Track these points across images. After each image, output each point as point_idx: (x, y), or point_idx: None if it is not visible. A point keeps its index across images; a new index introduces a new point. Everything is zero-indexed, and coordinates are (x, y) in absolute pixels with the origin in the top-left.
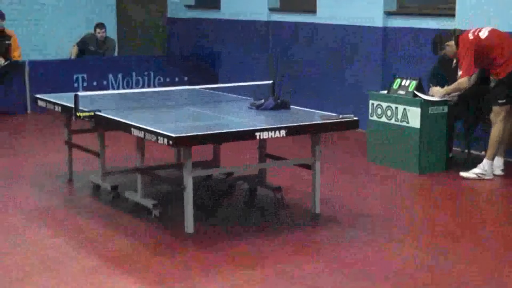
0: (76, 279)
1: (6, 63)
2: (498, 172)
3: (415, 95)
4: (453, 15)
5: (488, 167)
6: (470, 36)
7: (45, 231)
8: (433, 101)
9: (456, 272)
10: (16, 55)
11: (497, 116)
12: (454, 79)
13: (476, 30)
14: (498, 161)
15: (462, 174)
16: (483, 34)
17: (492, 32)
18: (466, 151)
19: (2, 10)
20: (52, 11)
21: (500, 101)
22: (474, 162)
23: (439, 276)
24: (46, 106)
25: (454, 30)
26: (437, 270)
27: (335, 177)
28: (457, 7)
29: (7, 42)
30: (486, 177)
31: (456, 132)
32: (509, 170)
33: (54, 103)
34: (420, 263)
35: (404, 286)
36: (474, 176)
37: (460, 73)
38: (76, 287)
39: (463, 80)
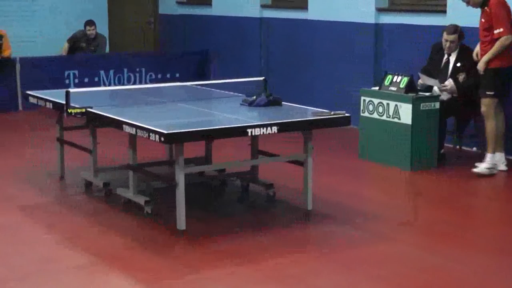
0: (69, 276)
1: None
2: (502, 167)
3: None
4: (444, 11)
5: (493, 160)
6: None
7: (38, 228)
8: (424, 96)
9: (448, 270)
10: (7, 53)
11: (488, 109)
12: (442, 74)
13: None
14: (500, 156)
15: (475, 170)
16: None
17: None
18: (458, 147)
19: None
20: (43, 8)
21: (488, 93)
22: (466, 158)
23: (430, 272)
24: (37, 102)
25: None
26: (429, 266)
27: (327, 173)
28: (448, 3)
29: None
30: (494, 171)
31: (448, 129)
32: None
33: (46, 100)
34: (412, 259)
35: (394, 283)
36: (487, 171)
37: (500, 30)
38: (69, 284)
39: (505, 38)
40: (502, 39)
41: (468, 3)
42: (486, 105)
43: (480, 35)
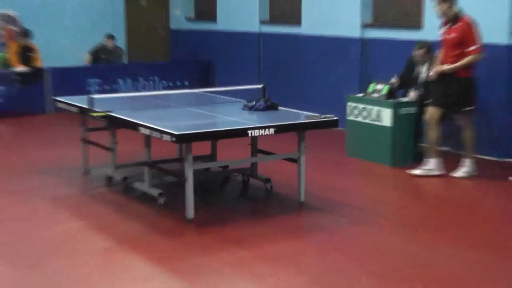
0: (93, 258)
1: (28, 70)
2: (421, 171)
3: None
4: (419, 27)
5: (434, 164)
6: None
7: (65, 217)
8: (403, 102)
9: (423, 254)
10: (38, 64)
11: (429, 118)
12: (416, 82)
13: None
14: (469, 163)
15: (414, 171)
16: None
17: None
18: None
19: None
20: (69, 24)
21: (426, 102)
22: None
23: (409, 256)
24: (64, 107)
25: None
26: (407, 252)
27: (317, 169)
28: (424, 19)
29: (30, 54)
30: (433, 173)
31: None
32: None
33: (71, 104)
34: (384, 240)
35: (371, 260)
36: (425, 172)
37: (473, 48)
38: (93, 264)
39: (477, 55)
40: (475, 55)
41: (441, 16)
42: (429, 113)
43: (448, 48)
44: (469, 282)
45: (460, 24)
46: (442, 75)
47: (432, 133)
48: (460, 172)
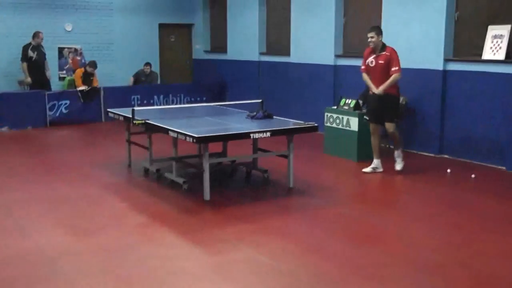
0: (136, 229)
1: (89, 88)
2: (369, 169)
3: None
4: None
5: (377, 164)
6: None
7: (113, 198)
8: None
9: (374, 220)
10: (96, 84)
11: (371, 130)
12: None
13: None
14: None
15: (364, 170)
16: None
17: None
18: (387, 146)
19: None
20: (118, 54)
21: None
22: (392, 153)
23: (364, 222)
24: (113, 116)
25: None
26: (364, 219)
27: (302, 163)
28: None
29: (91, 78)
30: (378, 170)
31: (381, 134)
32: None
33: (119, 115)
34: (354, 216)
35: (346, 231)
36: (371, 170)
37: (396, 68)
38: (134, 235)
39: (399, 75)
40: (397, 75)
41: (373, 45)
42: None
43: (377, 72)
44: (386, 235)
45: (386, 52)
46: (377, 95)
47: (373, 141)
48: (399, 164)
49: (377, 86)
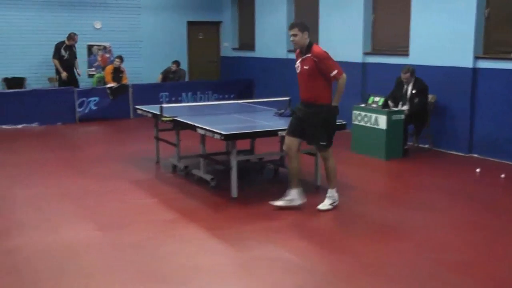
0: (163, 225)
1: (118, 85)
2: (281, 203)
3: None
4: (407, 55)
5: (294, 194)
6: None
7: (141, 194)
8: (394, 111)
9: (408, 223)
10: (125, 81)
11: (287, 148)
12: (403, 97)
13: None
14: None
15: (275, 203)
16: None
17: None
18: (416, 145)
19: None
20: (146, 52)
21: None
22: (420, 151)
23: (397, 224)
24: (142, 113)
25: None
26: (396, 220)
27: None
28: (410, 49)
29: (121, 75)
30: (294, 203)
31: (409, 132)
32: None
33: (148, 111)
34: (387, 216)
35: (377, 230)
36: (286, 203)
37: (335, 72)
38: (160, 231)
39: (343, 77)
40: (342, 79)
41: (295, 45)
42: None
43: (303, 80)
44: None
45: (311, 55)
46: (303, 105)
47: (290, 163)
48: (324, 205)
49: (306, 97)
